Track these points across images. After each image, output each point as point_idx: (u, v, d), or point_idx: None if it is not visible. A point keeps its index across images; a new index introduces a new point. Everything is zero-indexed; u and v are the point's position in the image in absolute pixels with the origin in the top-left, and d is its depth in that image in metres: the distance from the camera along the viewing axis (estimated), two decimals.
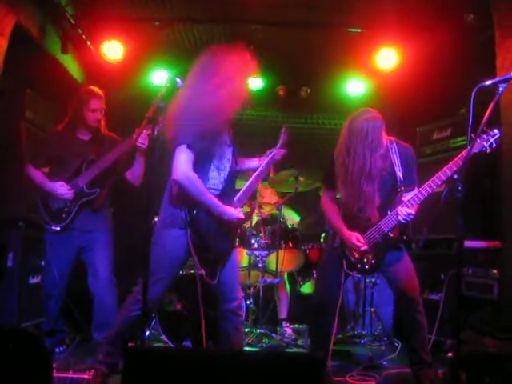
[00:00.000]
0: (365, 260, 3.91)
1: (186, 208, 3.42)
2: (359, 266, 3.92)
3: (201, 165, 3.43)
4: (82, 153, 4.47)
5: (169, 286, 3.63)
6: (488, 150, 3.56)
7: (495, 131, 3.55)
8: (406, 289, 3.88)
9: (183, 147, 3.33)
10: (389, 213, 3.85)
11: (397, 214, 3.78)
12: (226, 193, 3.54)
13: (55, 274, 4.41)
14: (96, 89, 4.57)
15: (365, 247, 3.87)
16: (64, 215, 4.42)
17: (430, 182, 3.74)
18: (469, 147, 3.21)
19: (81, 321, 4.79)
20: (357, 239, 3.88)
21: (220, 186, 3.51)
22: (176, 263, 3.55)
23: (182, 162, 3.33)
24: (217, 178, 3.51)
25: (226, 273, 3.59)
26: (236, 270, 3.68)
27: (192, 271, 4.82)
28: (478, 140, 3.49)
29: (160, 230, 3.55)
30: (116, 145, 4.44)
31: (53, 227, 4.42)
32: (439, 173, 3.71)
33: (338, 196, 4.17)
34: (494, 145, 3.56)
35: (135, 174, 4.31)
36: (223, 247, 3.56)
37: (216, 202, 3.42)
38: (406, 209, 3.75)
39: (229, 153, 3.59)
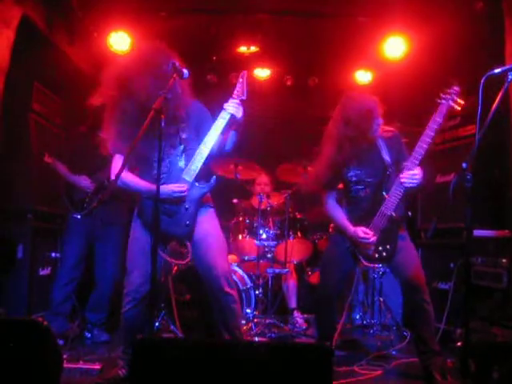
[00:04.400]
0: (380, 248, 3.89)
1: (138, 201, 3.66)
2: (377, 256, 3.90)
3: (143, 157, 3.58)
4: (103, 152, 4.69)
5: (147, 275, 3.42)
6: (457, 108, 3.74)
7: (454, 88, 3.74)
8: (412, 277, 3.88)
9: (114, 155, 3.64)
10: (386, 196, 3.86)
11: (400, 184, 3.78)
12: (174, 173, 3.60)
13: (74, 255, 4.91)
14: None
15: (374, 238, 3.86)
16: (85, 205, 4.86)
17: (421, 138, 3.76)
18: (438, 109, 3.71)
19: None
20: (364, 232, 3.89)
21: (166, 169, 3.59)
22: (144, 251, 3.45)
23: (114, 168, 3.62)
24: (163, 164, 3.54)
25: (199, 254, 3.64)
26: (212, 249, 3.64)
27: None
28: (443, 101, 3.73)
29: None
30: None
31: (74, 215, 4.89)
32: (427, 129, 3.76)
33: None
34: (459, 100, 3.72)
35: None
36: (175, 229, 3.57)
37: (146, 185, 3.56)
38: (407, 173, 3.75)
39: (172, 139, 3.63)
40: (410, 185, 3.75)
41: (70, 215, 4.94)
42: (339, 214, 4.08)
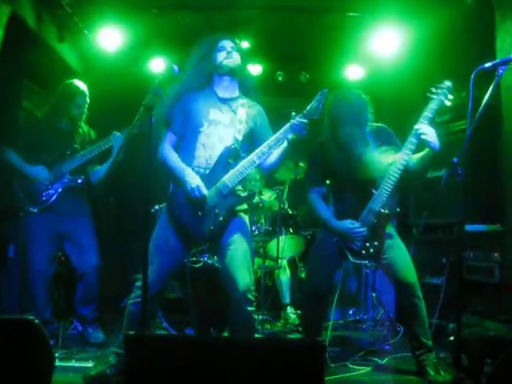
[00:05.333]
0: (367, 245, 3.88)
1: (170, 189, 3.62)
2: (364, 252, 3.89)
3: (186, 143, 3.58)
4: (64, 141, 4.60)
5: (166, 275, 3.59)
6: (448, 103, 3.72)
7: (446, 83, 3.72)
8: (403, 274, 3.90)
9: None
10: (374, 191, 3.86)
11: (389, 179, 3.77)
12: (215, 173, 3.51)
13: (44, 255, 4.56)
14: (82, 85, 4.73)
15: (360, 230, 3.86)
16: (44, 198, 4.51)
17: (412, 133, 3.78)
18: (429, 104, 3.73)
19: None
20: (351, 224, 3.89)
21: (205, 164, 3.53)
22: (164, 249, 3.51)
23: (161, 143, 3.61)
24: (203, 156, 3.54)
25: (223, 262, 3.56)
26: (235, 260, 3.50)
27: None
28: (434, 97, 3.72)
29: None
30: (91, 141, 4.71)
31: (30, 208, 4.49)
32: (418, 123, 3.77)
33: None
34: (450, 96, 3.72)
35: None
36: (198, 230, 3.48)
37: (181, 167, 3.51)
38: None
39: (226, 133, 3.58)
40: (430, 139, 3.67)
41: (26, 214, 4.54)
42: (325, 209, 4.08)
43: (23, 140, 4.62)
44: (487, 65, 3.08)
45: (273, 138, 3.51)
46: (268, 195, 6.19)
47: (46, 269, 4.58)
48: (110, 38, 5.87)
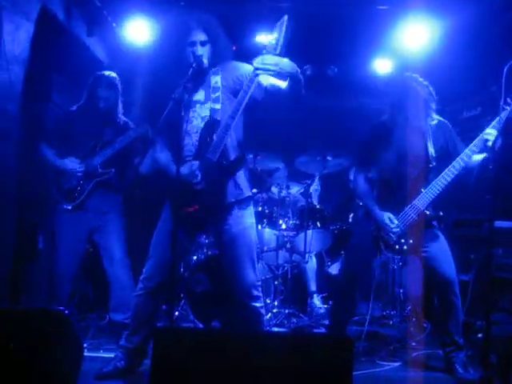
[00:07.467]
0: (402, 240, 3.84)
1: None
2: (397, 247, 3.86)
3: (173, 136, 3.37)
4: (96, 133, 4.50)
5: (164, 269, 3.38)
6: None
7: None
8: (443, 270, 3.84)
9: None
10: (423, 190, 3.79)
11: (441, 180, 3.70)
12: (203, 151, 3.36)
13: (69, 253, 4.45)
14: (112, 74, 4.62)
15: (397, 228, 3.81)
16: (76, 194, 4.43)
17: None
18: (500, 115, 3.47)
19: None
20: (389, 219, 3.83)
21: (193, 150, 3.42)
22: (163, 244, 3.43)
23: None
24: (189, 142, 3.43)
25: (226, 258, 3.52)
26: (238, 256, 3.43)
27: None
28: (509, 108, 3.48)
29: None
30: (127, 129, 4.53)
31: (64, 206, 4.43)
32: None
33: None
34: None
35: None
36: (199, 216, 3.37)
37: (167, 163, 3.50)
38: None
39: (205, 110, 3.43)
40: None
41: (57, 212, 4.49)
42: (369, 195, 4.02)
43: (56, 134, 4.56)
44: None
45: (239, 96, 3.30)
46: (295, 189, 6.18)
47: (74, 268, 4.51)
48: (138, 30, 5.89)
